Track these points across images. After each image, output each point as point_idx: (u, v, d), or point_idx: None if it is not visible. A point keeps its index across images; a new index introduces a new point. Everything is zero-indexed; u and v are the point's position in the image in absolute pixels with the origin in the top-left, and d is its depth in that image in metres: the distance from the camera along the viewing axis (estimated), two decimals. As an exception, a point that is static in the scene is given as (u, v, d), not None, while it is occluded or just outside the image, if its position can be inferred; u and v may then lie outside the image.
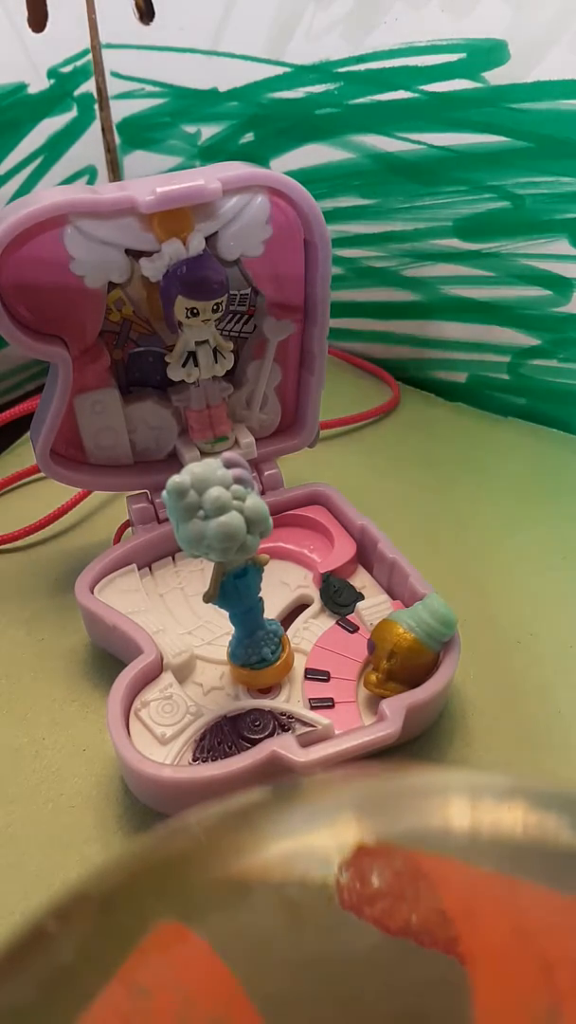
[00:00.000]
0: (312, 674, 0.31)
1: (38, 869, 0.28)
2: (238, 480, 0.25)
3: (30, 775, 0.31)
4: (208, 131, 0.49)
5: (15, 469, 0.44)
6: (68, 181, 0.50)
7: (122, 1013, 0.14)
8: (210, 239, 0.31)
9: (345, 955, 0.14)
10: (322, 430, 0.39)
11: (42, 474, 0.37)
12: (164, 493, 0.25)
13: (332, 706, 0.30)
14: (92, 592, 0.33)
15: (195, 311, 0.31)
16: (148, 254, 0.31)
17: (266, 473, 0.37)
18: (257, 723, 0.29)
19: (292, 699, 0.30)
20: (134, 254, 0.31)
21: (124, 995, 0.14)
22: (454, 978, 0.14)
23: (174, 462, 0.36)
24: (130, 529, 0.36)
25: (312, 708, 0.29)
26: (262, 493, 0.37)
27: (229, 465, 0.25)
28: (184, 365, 0.33)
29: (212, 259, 0.31)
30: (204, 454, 0.35)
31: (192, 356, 0.33)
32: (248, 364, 0.35)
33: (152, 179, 0.30)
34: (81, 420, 0.34)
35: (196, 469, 0.25)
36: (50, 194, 0.29)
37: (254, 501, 0.25)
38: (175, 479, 0.25)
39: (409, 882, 0.15)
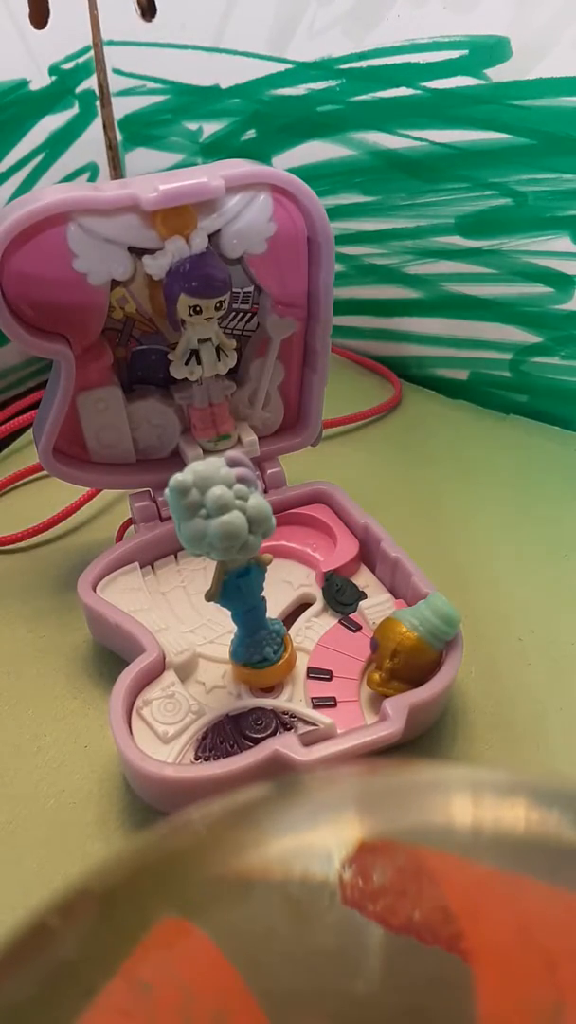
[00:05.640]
0: (314, 673, 0.31)
1: (39, 865, 0.28)
2: (241, 480, 0.25)
3: (31, 771, 0.31)
4: (210, 128, 0.49)
5: (17, 467, 0.44)
6: (69, 178, 0.50)
7: (125, 1008, 0.14)
8: (213, 237, 0.31)
9: (347, 952, 0.14)
10: (324, 428, 0.38)
11: (45, 472, 0.37)
12: (166, 491, 0.25)
13: (334, 705, 0.30)
14: (94, 590, 0.33)
15: (198, 309, 0.31)
16: (151, 251, 0.31)
17: (269, 471, 0.37)
18: (259, 722, 0.29)
19: (294, 698, 0.30)
20: (137, 251, 0.31)
21: (126, 990, 0.14)
22: (457, 975, 0.14)
23: (177, 460, 0.36)
24: (132, 527, 0.37)
25: (314, 707, 0.29)
26: (265, 492, 0.37)
27: (233, 464, 0.25)
28: (187, 363, 0.33)
29: (215, 257, 0.31)
30: (207, 452, 0.35)
31: (195, 354, 0.33)
32: (251, 362, 0.35)
33: (155, 176, 0.30)
34: (84, 418, 0.34)
35: (199, 467, 0.25)
36: (52, 192, 0.29)
37: (257, 501, 0.25)
38: (177, 477, 0.24)
39: (412, 879, 0.15)
